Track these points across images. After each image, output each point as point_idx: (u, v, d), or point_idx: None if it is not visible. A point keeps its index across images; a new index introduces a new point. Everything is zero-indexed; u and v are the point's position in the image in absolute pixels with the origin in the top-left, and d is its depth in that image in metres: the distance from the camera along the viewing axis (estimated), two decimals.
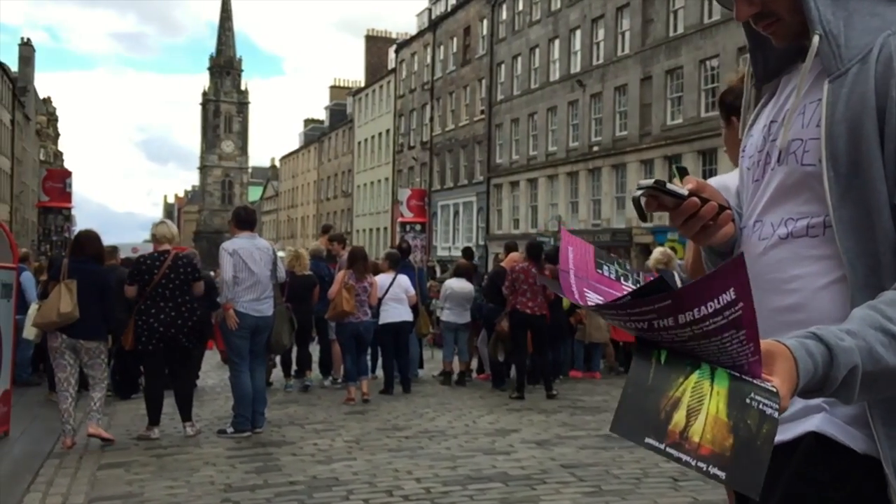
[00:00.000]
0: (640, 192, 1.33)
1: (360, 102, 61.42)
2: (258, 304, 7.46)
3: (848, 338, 1.12)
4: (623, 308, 1.04)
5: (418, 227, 22.19)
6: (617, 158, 30.86)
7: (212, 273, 11.17)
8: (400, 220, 22.89)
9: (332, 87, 75.13)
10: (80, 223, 33.92)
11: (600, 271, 1.24)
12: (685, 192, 1.34)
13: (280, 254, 9.01)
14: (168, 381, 7.53)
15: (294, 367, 10.80)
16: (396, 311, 10.14)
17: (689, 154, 26.52)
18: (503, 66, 39.85)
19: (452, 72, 45.51)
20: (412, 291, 10.41)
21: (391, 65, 56.78)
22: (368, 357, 10.57)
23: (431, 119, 47.87)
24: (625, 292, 1.21)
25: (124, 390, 9.77)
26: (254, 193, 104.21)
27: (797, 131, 1.37)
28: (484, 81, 41.71)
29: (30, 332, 7.74)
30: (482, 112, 41.77)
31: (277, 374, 11.07)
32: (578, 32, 33.86)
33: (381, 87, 57.45)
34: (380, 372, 11.00)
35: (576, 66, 33.95)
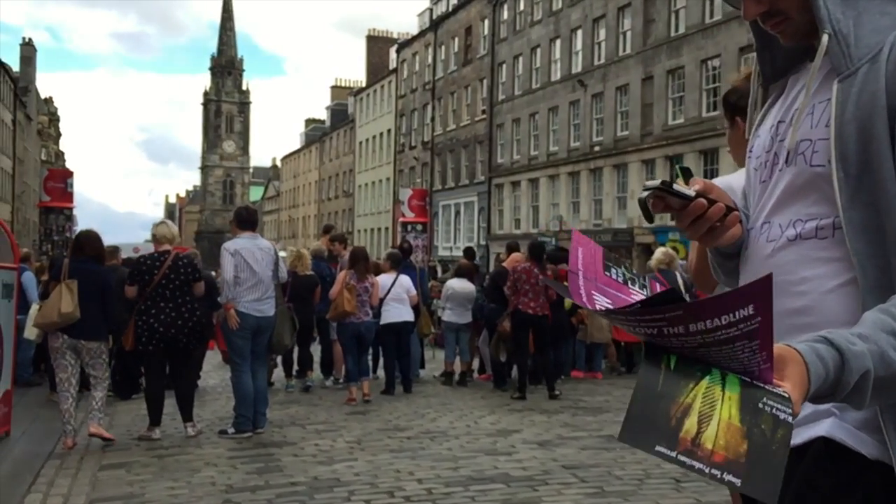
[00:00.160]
0: (646, 194, 1.31)
1: (361, 102, 61.43)
2: (260, 304, 7.44)
3: (860, 342, 1.10)
4: (633, 314, 1.02)
5: (419, 227, 22.20)
6: (618, 158, 30.85)
7: (213, 273, 11.16)
8: (401, 220, 22.90)
9: (334, 87, 75.13)
10: (82, 223, 33.92)
11: (608, 273, 1.23)
12: (692, 193, 1.32)
13: (282, 254, 9.00)
14: (169, 382, 7.53)
15: (295, 367, 10.79)
16: (398, 312, 10.13)
17: (691, 154, 26.51)
18: (504, 65, 39.84)
19: (454, 72, 45.51)
20: (414, 291, 10.40)
21: (392, 65, 56.80)
22: (370, 357, 10.57)
23: (433, 119, 47.87)
24: (632, 296, 1.19)
25: (124, 390, 9.76)
26: (255, 193, 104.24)
27: (806, 131, 1.35)
28: (485, 81, 41.70)
29: (31, 333, 7.74)
30: (483, 112, 41.77)
31: (279, 374, 11.06)
32: (580, 32, 33.86)
33: (382, 86, 57.46)
34: (381, 372, 10.98)
35: (577, 66, 33.94)
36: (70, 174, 21.30)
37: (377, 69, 61.22)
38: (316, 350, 11.37)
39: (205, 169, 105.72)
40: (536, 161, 36.62)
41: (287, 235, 79.17)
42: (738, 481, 0.95)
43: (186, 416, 7.43)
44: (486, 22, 41.76)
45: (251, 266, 7.37)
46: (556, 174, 35.00)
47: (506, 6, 39.83)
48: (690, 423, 0.97)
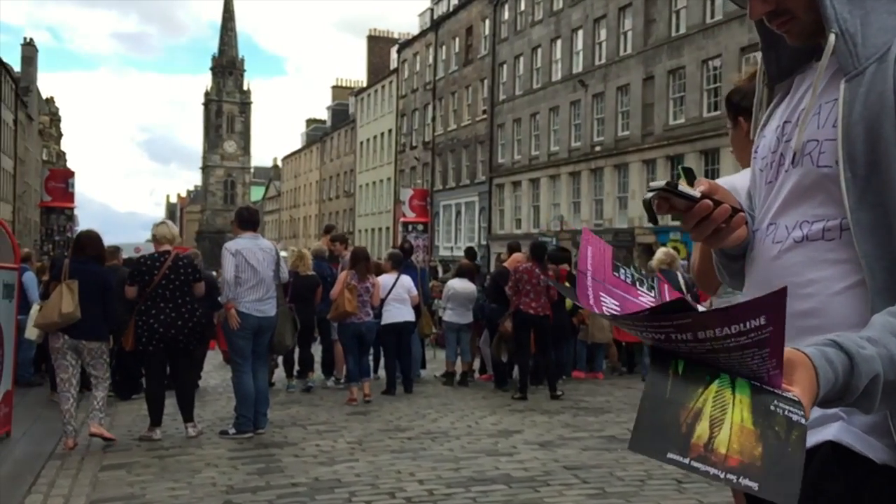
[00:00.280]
0: (651, 195, 1.29)
1: (362, 102, 61.42)
2: (261, 304, 7.43)
3: (869, 345, 1.09)
4: (640, 320, 1.00)
5: (420, 227, 22.22)
6: (619, 158, 30.83)
7: (214, 273, 11.15)
8: (402, 220, 22.92)
9: (335, 87, 75.12)
10: (83, 223, 33.96)
11: (617, 274, 1.21)
12: (697, 194, 1.31)
13: (283, 254, 9.00)
14: (169, 382, 7.52)
15: (297, 367, 10.78)
16: (399, 312, 10.12)
17: (692, 154, 26.49)
18: (505, 66, 39.82)
19: (454, 72, 45.50)
20: (415, 292, 10.40)
21: (393, 65, 56.78)
22: (371, 358, 10.56)
23: (433, 119, 47.85)
24: (639, 297, 1.17)
25: (125, 391, 9.75)
26: (256, 193, 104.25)
27: (812, 132, 1.34)
28: (486, 81, 41.68)
29: (31, 333, 7.72)
30: (484, 112, 41.75)
31: (280, 374, 11.05)
32: (580, 32, 33.84)
33: (383, 87, 57.44)
34: (382, 372, 10.97)
35: (578, 66, 33.92)
36: (71, 174, 21.34)
37: (378, 69, 61.22)
38: (317, 350, 11.36)
39: (206, 169, 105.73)
40: (537, 161, 36.60)
41: (288, 235, 79.19)
42: (755, 485, 0.92)
43: (187, 417, 7.42)
44: (487, 22, 41.75)
45: (252, 266, 7.36)
46: (557, 174, 34.98)
47: (507, 6, 39.81)
48: (702, 429, 0.94)
